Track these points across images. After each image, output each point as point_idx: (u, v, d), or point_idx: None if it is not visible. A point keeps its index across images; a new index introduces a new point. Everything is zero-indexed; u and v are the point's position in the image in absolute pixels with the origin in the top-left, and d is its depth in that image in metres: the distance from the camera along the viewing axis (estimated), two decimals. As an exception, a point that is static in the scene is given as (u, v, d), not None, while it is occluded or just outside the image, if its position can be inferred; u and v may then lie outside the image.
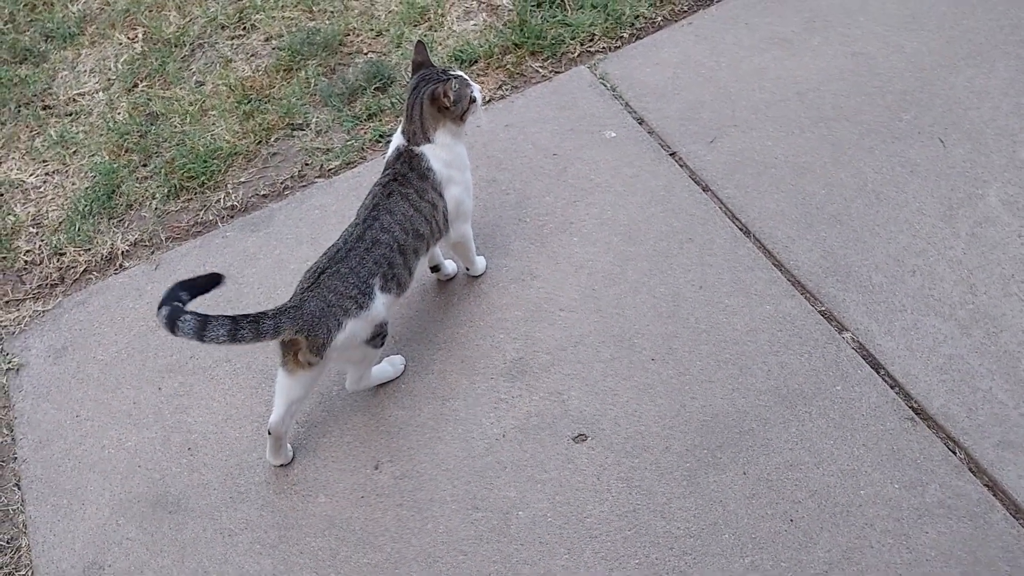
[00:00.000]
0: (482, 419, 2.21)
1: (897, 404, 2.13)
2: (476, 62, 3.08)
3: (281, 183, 2.84)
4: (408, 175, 2.16)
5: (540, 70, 3.05)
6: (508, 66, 3.05)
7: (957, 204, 2.49)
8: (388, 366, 2.29)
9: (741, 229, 2.51)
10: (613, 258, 2.49)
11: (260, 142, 2.95)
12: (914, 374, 2.18)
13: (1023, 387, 2.14)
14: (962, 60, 2.85)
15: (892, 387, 2.16)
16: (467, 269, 2.47)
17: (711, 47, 3.02)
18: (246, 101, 3.06)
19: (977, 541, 1.91)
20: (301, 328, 1.93)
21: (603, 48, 3.08)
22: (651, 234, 2.53)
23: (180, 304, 1.87)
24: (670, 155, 2.72)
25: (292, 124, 3.00)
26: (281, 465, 2.18)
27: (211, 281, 1.98)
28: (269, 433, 2.10)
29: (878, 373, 2.19)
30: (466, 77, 2.23)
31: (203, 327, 1.84)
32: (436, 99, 2.15)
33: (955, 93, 2.76)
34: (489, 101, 2.96)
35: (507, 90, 3.00)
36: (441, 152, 2.19)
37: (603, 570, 1.95)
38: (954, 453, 2.05)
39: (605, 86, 2.94)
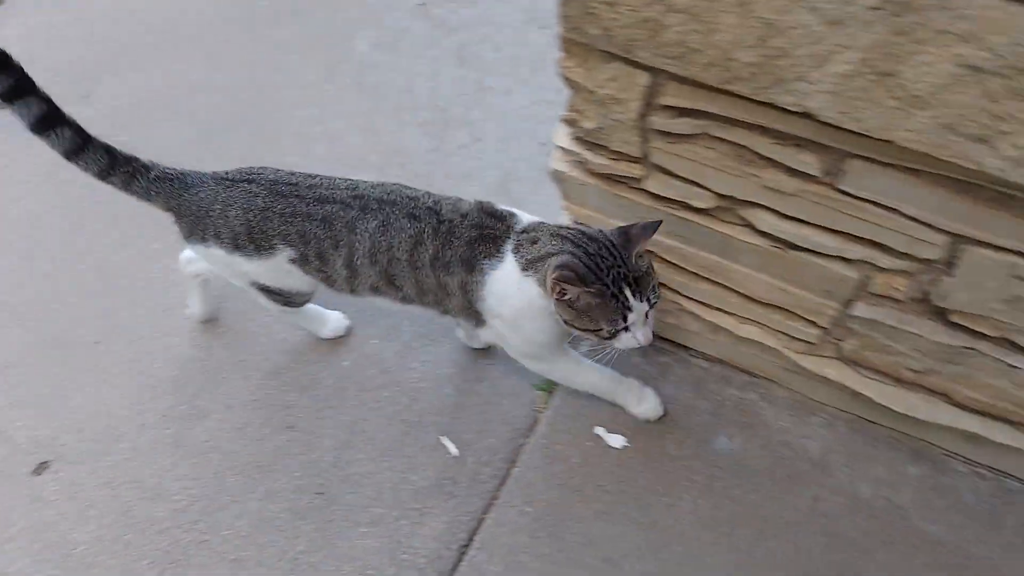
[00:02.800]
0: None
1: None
2: None
3: None
4: (456, 228, 1.34)
5: None
6: None
7: (335, 62, 2.29)
8: (324, 323, 1.80)
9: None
10: (16, 260, 1.95)
11: None
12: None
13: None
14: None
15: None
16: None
17: None
18: None
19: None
20: (171, 208, 1.47)
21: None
22: (55, 222, 2.02)
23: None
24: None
25: None
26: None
27: None
28: None
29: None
30: (628, 300, 1.27)
31: (80, 149, 1.40)
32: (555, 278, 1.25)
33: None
34: None
35: None
36: (515, 282, 1.33)
37: (111, 592, 1.51)
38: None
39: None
